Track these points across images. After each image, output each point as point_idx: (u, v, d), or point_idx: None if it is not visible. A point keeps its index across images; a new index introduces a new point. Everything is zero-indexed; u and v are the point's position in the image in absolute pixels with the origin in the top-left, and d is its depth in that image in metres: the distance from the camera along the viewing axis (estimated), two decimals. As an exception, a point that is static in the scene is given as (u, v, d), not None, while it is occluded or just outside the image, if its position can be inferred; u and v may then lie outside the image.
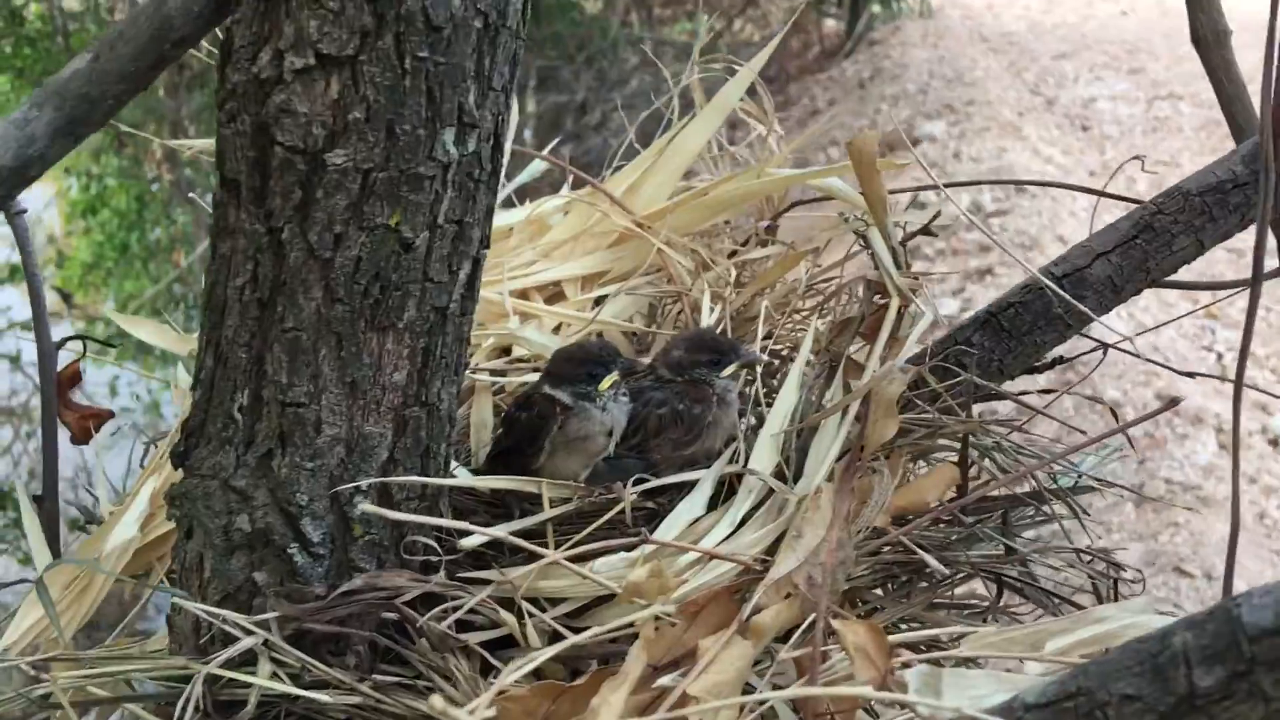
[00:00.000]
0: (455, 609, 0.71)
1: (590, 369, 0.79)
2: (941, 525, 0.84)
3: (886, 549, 0.81)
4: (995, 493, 0.87)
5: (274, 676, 0.70)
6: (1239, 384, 0.67)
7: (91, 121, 0.69)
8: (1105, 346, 0.94)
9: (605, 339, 0.89)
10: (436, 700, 0.57)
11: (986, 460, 0.84)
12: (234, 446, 0.70)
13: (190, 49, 0.70)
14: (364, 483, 0.70)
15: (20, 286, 5.68)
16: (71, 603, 0.84)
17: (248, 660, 0.70)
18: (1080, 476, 0.89)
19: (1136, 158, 1.02)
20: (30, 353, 5.41)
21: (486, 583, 0.73)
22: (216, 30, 0.70)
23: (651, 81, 8.33)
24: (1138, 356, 0.87)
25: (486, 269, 1.01)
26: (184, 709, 0.70)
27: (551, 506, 0.77)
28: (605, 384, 0.79)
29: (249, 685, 0.70)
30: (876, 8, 8.93)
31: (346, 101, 0.64)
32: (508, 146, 1.13)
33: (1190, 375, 0.97)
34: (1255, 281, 0.69)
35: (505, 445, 0.83)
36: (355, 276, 0.67)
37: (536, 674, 0.70)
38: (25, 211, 0.93)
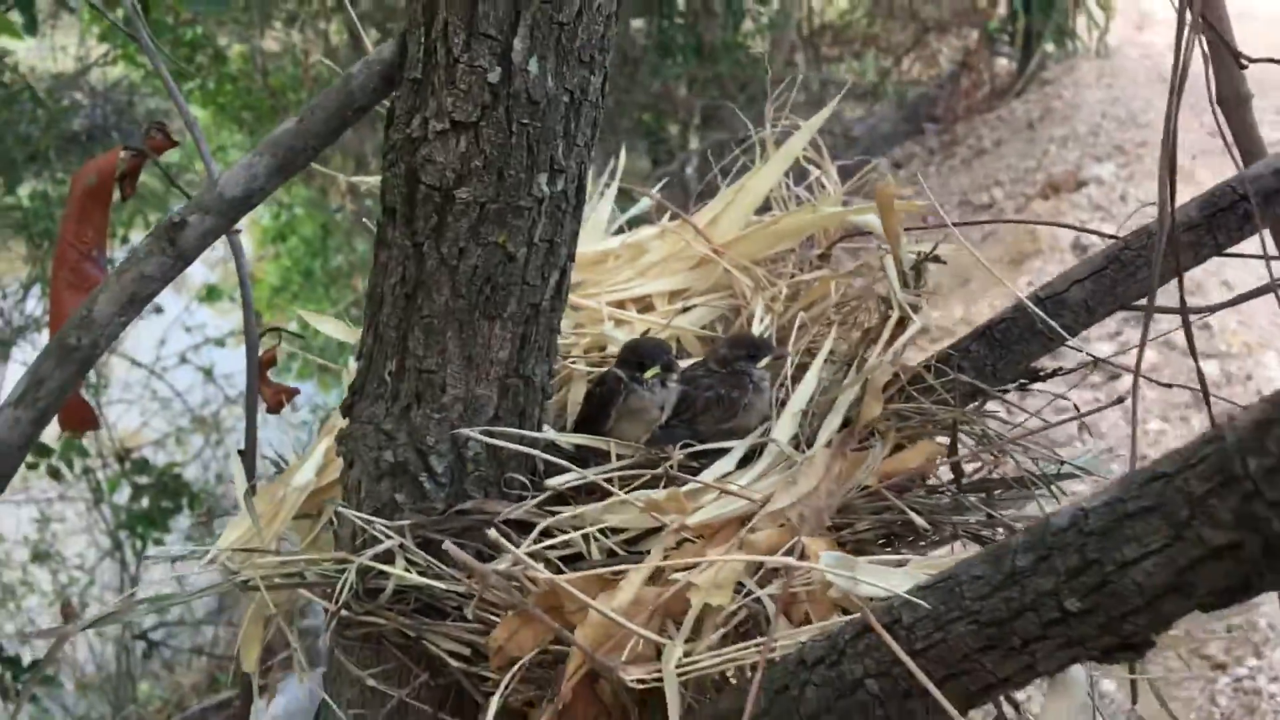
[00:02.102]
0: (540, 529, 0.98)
1: (639, 359, 1.06)
2: (933, 495, 1.06)
3: (886, 511, 1.04)
4: (984, 473, 1.08)
5: (406, 569, 0.97)
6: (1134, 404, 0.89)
7: (296, 166, 0.99)
8: (1095, 361, 1.15)
9: (659, 339, 1.15)
10: (492, 532, 0.84)
11: (975, 444, 1.06)
12: (384, 401, 0.99)
13: (366, 114, 1.00)
14: (476, 431, 0.98)
15: (215, 305, 6.29)
16: (267, 523, 1.14)
17: (388, 559, 0.98)
18: (1063, 464, 1.10)
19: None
20: (221, 368, 5.94)
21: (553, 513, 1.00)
22: (384, 101, 0.99)
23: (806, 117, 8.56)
24: (1116, 368, 1.08)
25: (591, 283, 1.29)
26: (341, 591, 0.99)
27: (618, 461, 1.03)
28: (648, 374, 1.05)
29: (388, 575, 0.97)
30: (1050, 47, 8.93)
31: (470, 154, 0.92)
32: (612, 188, 1.41)
33: (1167, 385, 1.17)
34: (1141, 344, 0.90)
35: (584, 414, 1.09)
36: (472, 279, 0.95)
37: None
38: (240, 231, 1.26)
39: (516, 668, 0.90)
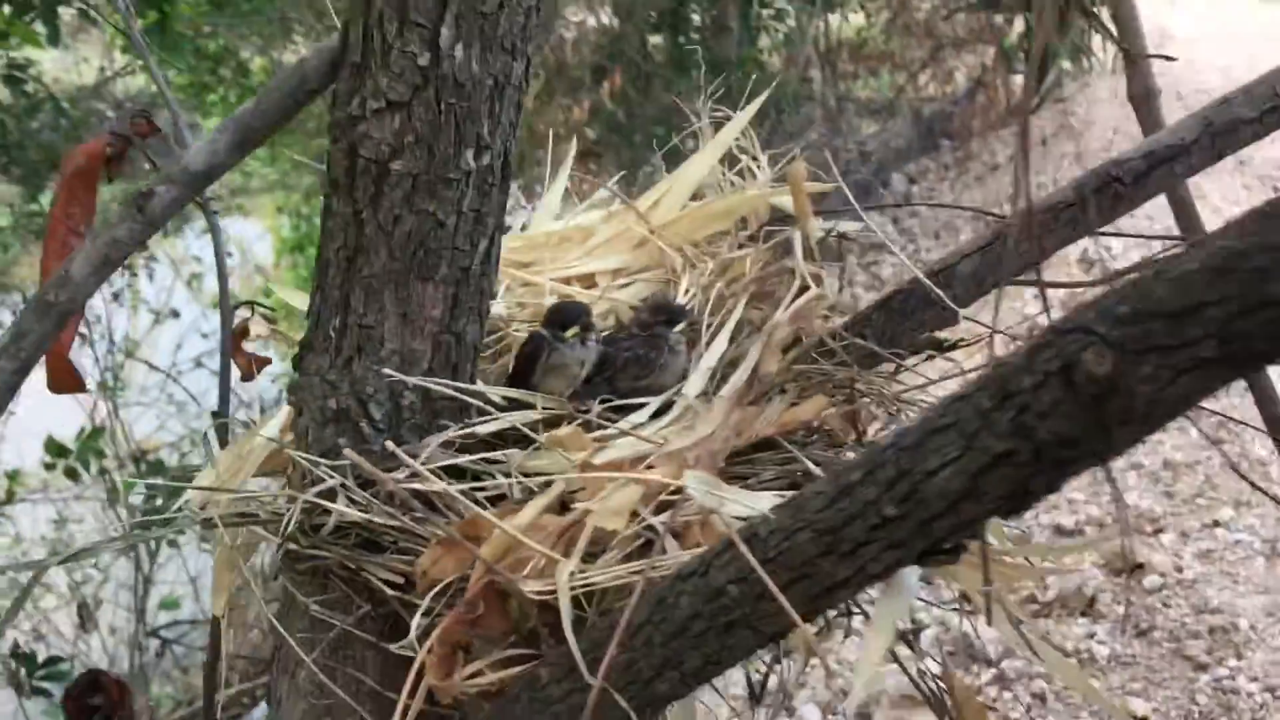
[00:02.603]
0: (470, 474, 1.09)
1: (561, 320, 1.17)
2: (833, 449, 1.17)
3: (789, 462, 1.15)
4: (884, 430, 1.19)
5: (347, 506, 1.09)
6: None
7: (253, 143, 1.11)
8: (994, 332, 1.25)
9: (580, 302, 1.26)
10: (389, 444, 0.96)
11: (871, 402, 1.17)
12: (329, 354, 1.11)
13: (318, 97, 1.12)
14: (410, 381, 1.10)
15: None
16: (233, 474, 1.27)
17: (331, 497, 1.10)
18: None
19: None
20: (235, 372, 6.09)
21: (493, 462, 1.11)
22: (333, 85, 1.11)
23: (828, 134, 8.68)
24: (1010, 336, 1.19)
25: (541, 261, 1.41)
26: (287, 525, 1.11)
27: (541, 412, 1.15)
28: (569, 333, 1.16)
29: (330, 512, 1.09)
30: (1066, 64, 9.02)
31: (403, 130, 1.04)
32: (561, 177, 1.53)
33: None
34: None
35: (513, 370, 1.21)
36: (406, 244, 1.07)
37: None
38: (217, 213, 1.38)
39: (437, 589, 1.01)
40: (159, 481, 1.28)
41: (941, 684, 1.17)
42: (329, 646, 1.16)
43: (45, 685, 4.27)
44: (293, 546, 1.11)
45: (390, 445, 1.01)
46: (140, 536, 1.24)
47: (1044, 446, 0.73)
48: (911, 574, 0.89)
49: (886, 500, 0.80)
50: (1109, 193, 1.17)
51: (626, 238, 1.42)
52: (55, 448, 4.63)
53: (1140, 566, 4.42)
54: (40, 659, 4.37)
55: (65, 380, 1.37)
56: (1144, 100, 1.43)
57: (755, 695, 1.24)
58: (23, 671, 4.26)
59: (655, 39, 8.17)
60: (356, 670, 1.17)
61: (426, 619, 1.01)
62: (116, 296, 6.06)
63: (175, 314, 5.92)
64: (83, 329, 5.59)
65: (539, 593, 0.94)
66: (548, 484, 1.09)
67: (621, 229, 1.43)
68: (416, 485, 1.00)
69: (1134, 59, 1.38)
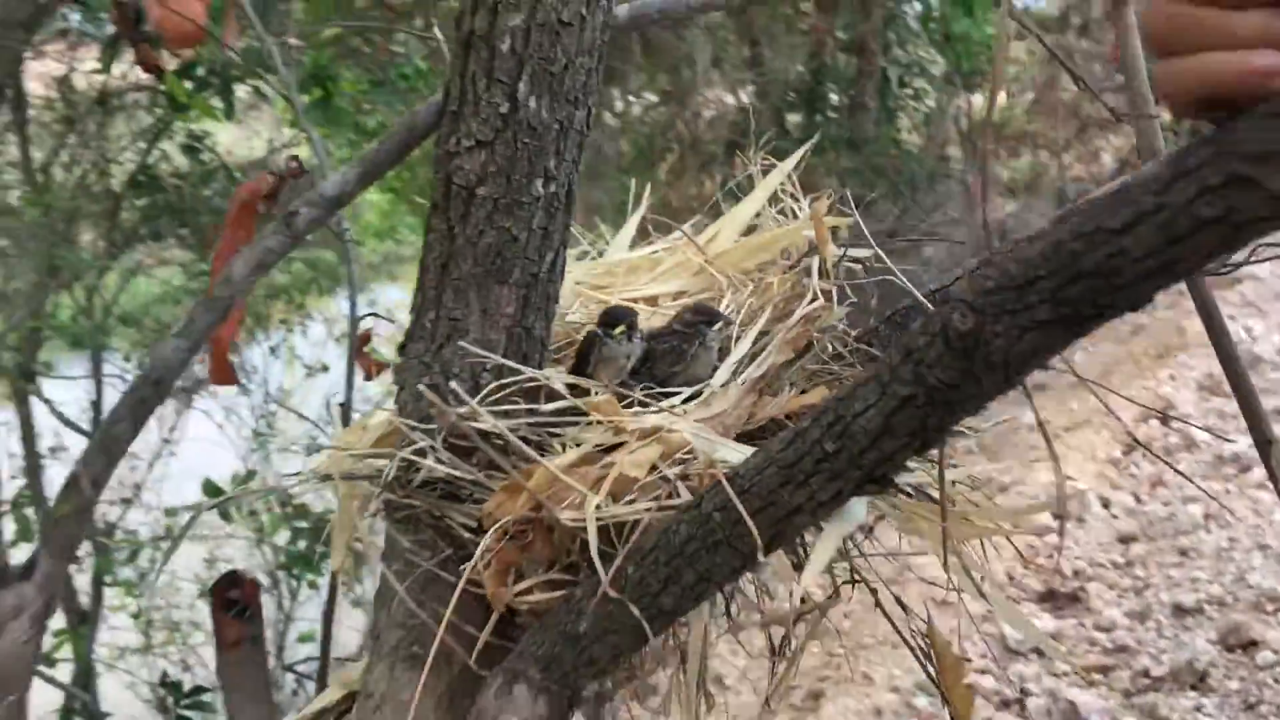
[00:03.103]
0: (534, 441, 1.38)
1: (611, 320, 1.46)
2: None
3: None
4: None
5: (435, 463, 1.38)
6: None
7: (375, 175, 1.44)
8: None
9: (627, 306, 1.54)
10: (453, 384, 1.24)
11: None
12: (425, 341, 1.42)
13: (425, 139, 1.44)
14: (488, 361, 1.39)
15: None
16: (353, 444, 1.57)
17: (422, 455, 1.40)
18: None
19: None
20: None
21: (553, 434, 1.40)
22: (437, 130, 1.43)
23: (966, 212, 8.85)
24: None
25: (612, 284, 1.70)
26: (385, 478, 1.41)
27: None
28: (616, 331, 1.45)
29: (420, 467, 1.38)
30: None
31: (487, 163, 1.35)
32: (637, 215, 1.82)
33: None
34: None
35: (572, 364, 1.50)
36: (488, 254, 1.37)
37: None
38: (348, 233, 1.72)
39: (498, 525, 1.29)
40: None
41: (926, 637, 1.40)
42: (418, 583, 1.45)
43: (190, 714, 4.67)
44: (390, 497, 1.41)
45: (453, 385, 1.31)
46: (274, 491, 1.55)
47: (934, 391, 0.98)
48: (858, 504, 1.13)
49: (827, 438, 1.06)
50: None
51: (686, 266, 1.71)
52: (213, 489, 5.02)
53: (1255, 644, 4.44)
54: (186, 688, 4.80)
55: (224, 374, 1.72)
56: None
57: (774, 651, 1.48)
58: (170, 699, 4.68)
59: (793, 117, 8.48)
60: (439, 605, 1.45)
61: (490, 550, 1.29)
62: (274, 350, 6.59)
63: (325, 368, 6.41)
64: (242, 379, 6.10)
65: (573, 520, 1.22)
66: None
67: (683, 259, 1.72)
68: (478, 425, 1.28)
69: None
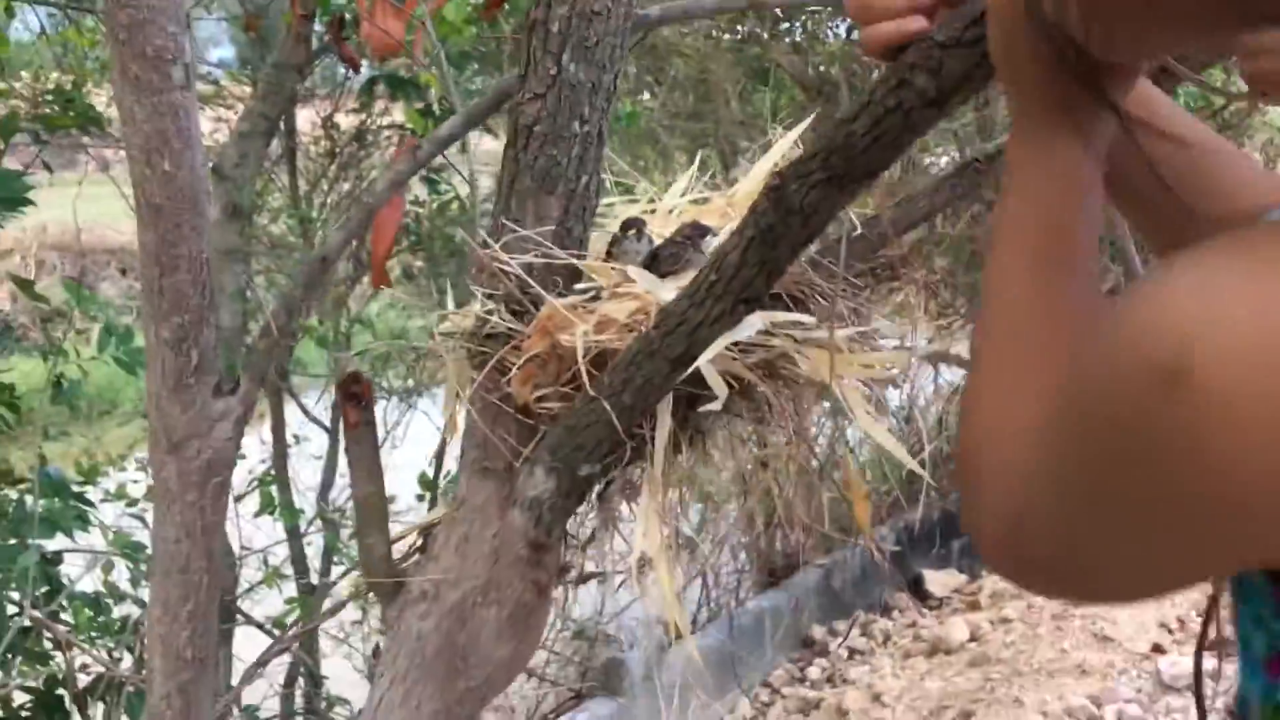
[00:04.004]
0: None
1: (625, 225, 2.07)
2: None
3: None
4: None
5: (498, 318, 2.02)
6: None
7: (473, 124, 2.11)
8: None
9: (639, 216, 2.14)
10: (492, 241, 1.88)
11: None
12: (495, 237, 2.06)
13: (509, 99, 2.10)
14: (541, 247, 2.02)
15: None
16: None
17: (489, 315, 2.04)
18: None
19: None
20: None
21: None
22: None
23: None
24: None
25: (653, 221, 2.31)
26: (466, 333, 2.05)
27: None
28: (629, 231, 2.05)
29: (489, 323, 2.02)
30: None
31: (541, 109, 2.00)
32: (690, 172, 2.43)
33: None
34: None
35: (601, 258, 2.11)
36: (540, 174, 2.01)
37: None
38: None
39: (527, 357, 1.92)
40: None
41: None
42: (490, 413, 2.08)
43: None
44: (469, 346, 2.05)
45: (510, 263, 1.95)
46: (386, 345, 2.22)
47: (764, 231, 1.55)
48: (747, 322, 1.70)
49: (711, 271, 1.64)
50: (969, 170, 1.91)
51: (715, 209, 2.30)
52: (427, 482, 5.77)
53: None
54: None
55: (381, 278, 2.43)
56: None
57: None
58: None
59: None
60: (504, 431, 2.07)
61: (520, 368, 1.92)
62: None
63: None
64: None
65: (568, 341, 1.83)
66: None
67: (712, 206, 2.32)
68: (508, 267, 1.91)
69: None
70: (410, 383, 6.61)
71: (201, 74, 6.92)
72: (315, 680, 6.27)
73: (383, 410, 6.56)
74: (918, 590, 7.41)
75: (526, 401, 1.88)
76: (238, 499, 5.42)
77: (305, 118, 6.77)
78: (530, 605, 2.03)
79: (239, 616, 5.04)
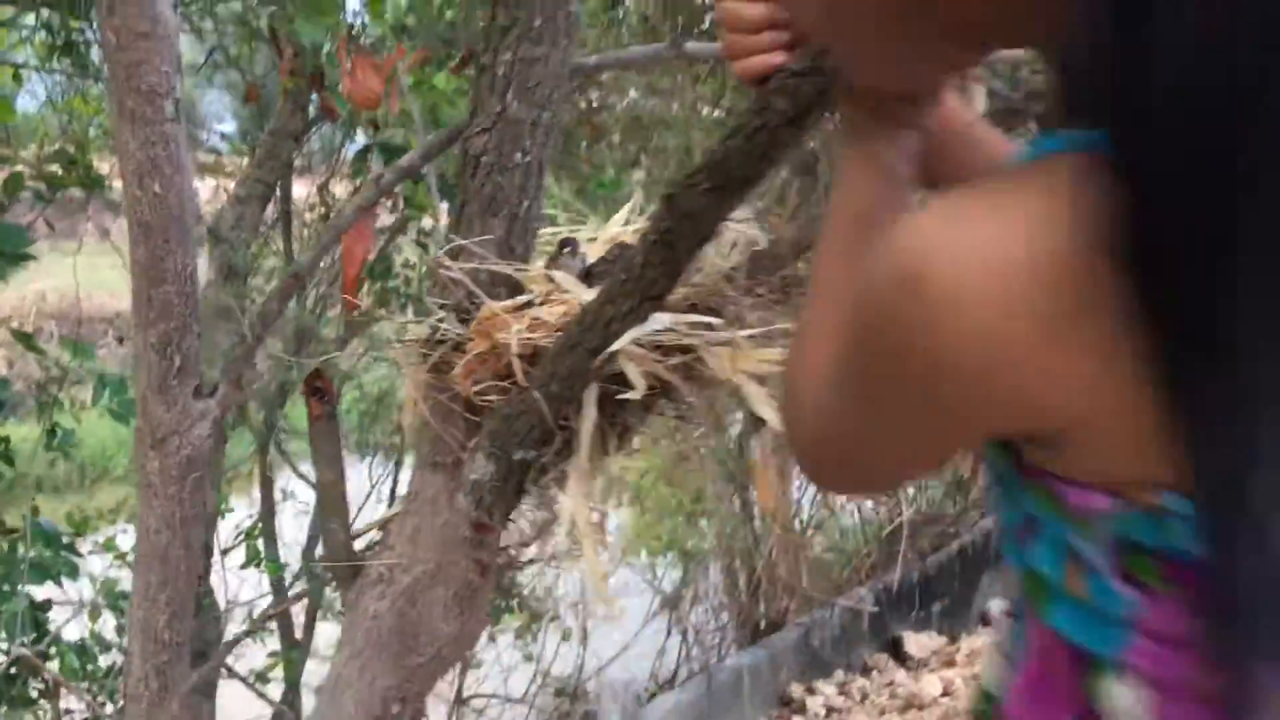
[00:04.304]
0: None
1: (561, 243, 2.35)
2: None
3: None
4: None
5: (447, 325, 2.30)
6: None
7: (432, 155, 2.40)
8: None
9: (572, 237, 2.42)
10: (444, 258, 2.14)
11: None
12: (449, 255, 2.35)
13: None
14: (485, 263, 2.31)
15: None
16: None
17: (440, 322, 2.32)
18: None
19: None
20: None
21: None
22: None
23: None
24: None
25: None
26: (420, 341, 2.33)
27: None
28: (564, 249, 2.33)
29: (439, 330, 2.30)
30: None
31: (488, 142, 2.30)
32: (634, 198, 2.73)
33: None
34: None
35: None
36: (487, 198, 2.31)
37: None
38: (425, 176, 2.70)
39: (469, 355, 2.19)
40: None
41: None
42: (440, 412, 2.34)
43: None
44: (425, 352, 2.33)
45: (459, 273, 2.23)
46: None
47: (663, 234, 1.83)
48: (653, 319, 1.97)
49: (621, 271, 1.92)
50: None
51: (652, 237, 2.59)
52: None
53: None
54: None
55: (352, 291, 2.72)
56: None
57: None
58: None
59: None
60: (453, 428, 2.34)
61: (463, 367, 2.19)
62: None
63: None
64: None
65: (502, 339, 2.11)
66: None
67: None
68: (456, 275, 2.19)
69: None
70: (395, 440, 6.86)
71: (205, 146, 7.28)
72: (298, 732, 6.41)
73: (367, 466, 6.82)
74: (897, 652, 7.57)
75: (469, 395, 2.15)
76: (224, 552, 5.61)
77: (301, 187, 7.09)
78: (475, 584, 2.29)
79: (224, 670, 5.20)
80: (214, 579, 4.99)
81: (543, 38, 2.25)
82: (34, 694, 3.71)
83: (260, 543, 5.97)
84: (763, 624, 7.46)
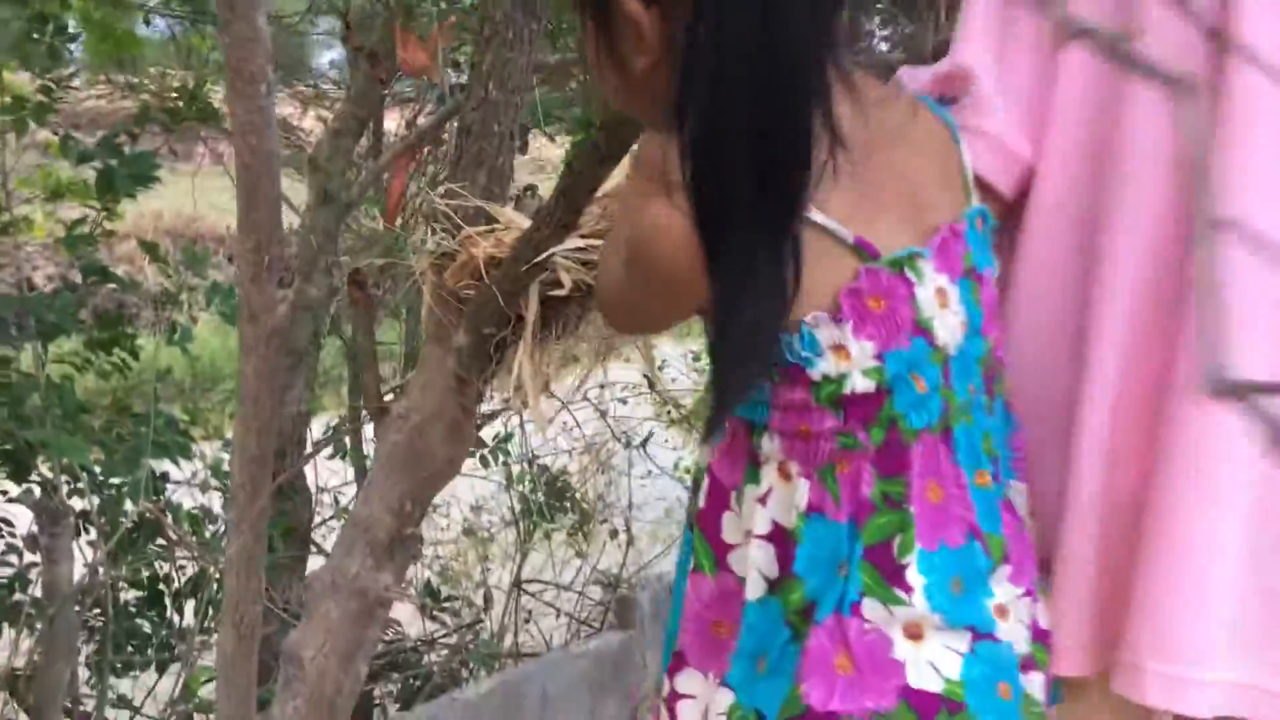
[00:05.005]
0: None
1: (525, 188, 3.53)
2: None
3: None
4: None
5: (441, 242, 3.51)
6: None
7: (444, 121, 3.61)
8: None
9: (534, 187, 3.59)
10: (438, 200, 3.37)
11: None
12: (445, 195, 3.56)
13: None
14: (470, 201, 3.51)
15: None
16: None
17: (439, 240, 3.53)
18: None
19: None
20: (616, 410, 8.59)
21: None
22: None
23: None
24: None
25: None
26: (424, 250, 3.55)
27: (519, 223, 3.52)
28: (526, 191, 3.51)
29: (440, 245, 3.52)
30: None
31: (474, 117, 3.49)
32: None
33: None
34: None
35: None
36: (473, 158, 3.50)
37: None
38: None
39: (457, 263, 3.40)
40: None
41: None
42: (441, 304, 3.56)
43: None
44: (434, 262, 3.54)
45: (449, 210, 3.45)
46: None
47: (570, 181, 3.01)
48: (572, 238, 3.14)
49: (546, 206, 3.11)
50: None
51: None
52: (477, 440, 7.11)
53: None
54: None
55: (391, 217, 3.93)
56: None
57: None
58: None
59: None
60: (450, 313, 3.55)
61: (450, 272, 3.40)
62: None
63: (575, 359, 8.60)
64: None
65: (475, 252, 3.31)
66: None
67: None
68: (444, 206, 3.41)
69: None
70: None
71: (309, 81, 8.42)
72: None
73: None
74: None
75: (455, 290, 3.37)
76: (316, 445, 6.81)
77: (391, 121, 8.24)
78: (460, 421, 3.50)
79: (312, 548, 6.31)
80: (307, 470, 5.78)
81: (515, 45, 3.43)
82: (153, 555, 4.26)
83: (347, 439, 7.18)
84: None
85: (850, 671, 1.19)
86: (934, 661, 1.20)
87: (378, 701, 4.90)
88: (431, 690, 4.50)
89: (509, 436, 7.48)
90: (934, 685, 1.20)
